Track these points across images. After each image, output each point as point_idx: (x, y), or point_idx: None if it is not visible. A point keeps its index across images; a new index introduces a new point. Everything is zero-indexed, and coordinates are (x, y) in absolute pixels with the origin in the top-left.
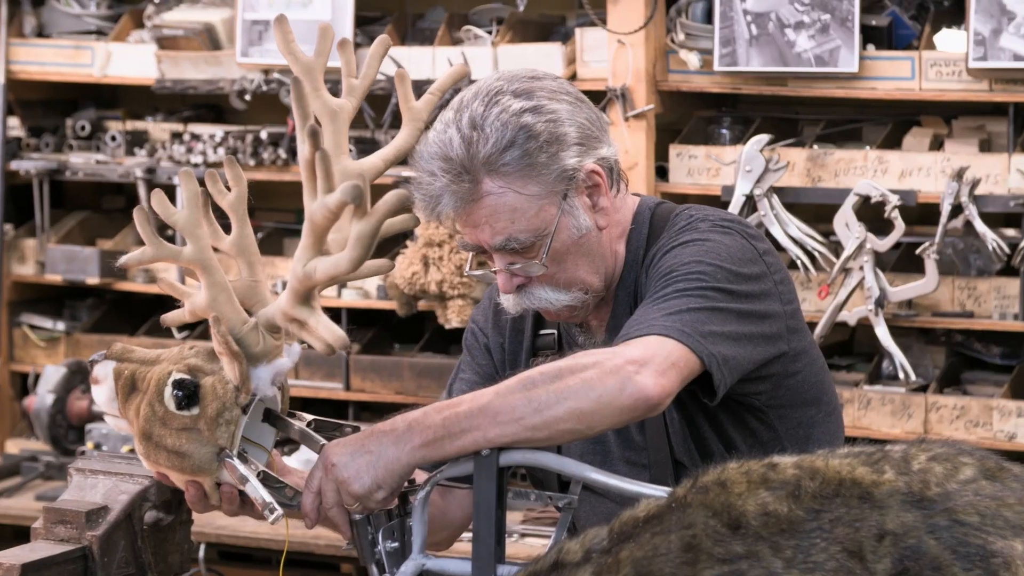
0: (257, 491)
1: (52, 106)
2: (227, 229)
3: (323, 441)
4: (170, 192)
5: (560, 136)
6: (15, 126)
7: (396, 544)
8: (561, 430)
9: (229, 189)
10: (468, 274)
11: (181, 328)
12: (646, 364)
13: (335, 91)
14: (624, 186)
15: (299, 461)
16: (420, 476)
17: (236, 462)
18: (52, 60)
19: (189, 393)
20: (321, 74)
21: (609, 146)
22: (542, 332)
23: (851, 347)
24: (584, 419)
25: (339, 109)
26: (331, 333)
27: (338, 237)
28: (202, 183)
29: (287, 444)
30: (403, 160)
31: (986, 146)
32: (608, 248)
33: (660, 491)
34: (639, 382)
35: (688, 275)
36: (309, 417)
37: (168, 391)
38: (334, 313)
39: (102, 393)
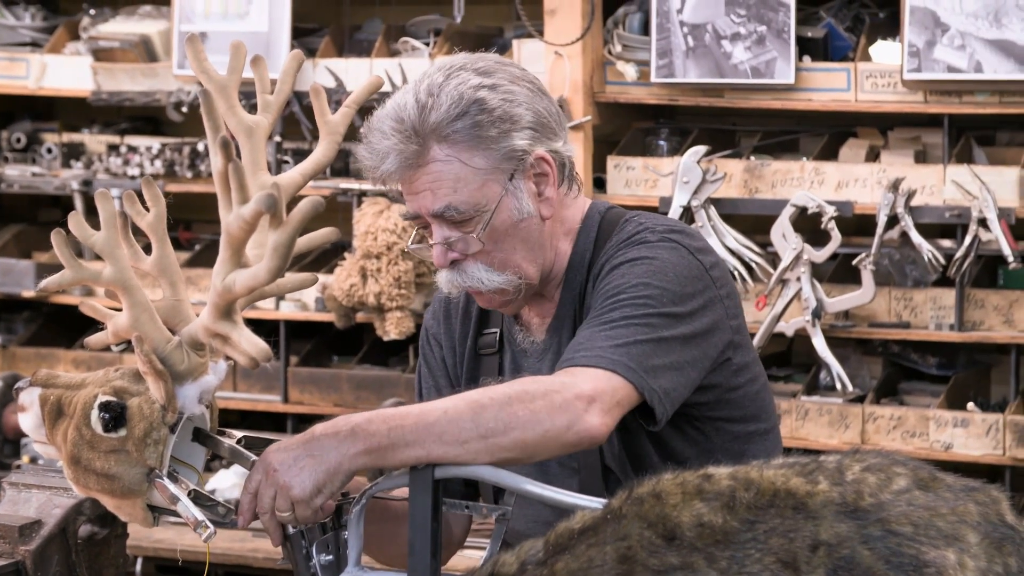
0: (188, 509)
1: None
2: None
3: (253, 458)
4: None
5: (513, 116)
6: None
7: (331, 557)
8: (503, 457)
9: (148, 209)
10: (408, 248)
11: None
12: (594, 402)
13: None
14: (577, 188)
15: (236, 474)
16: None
17: (166, 482)
18: None
19: (116, 415)
20: (235, 91)
21: (565, 143)
22: (485, 331)
23: (788, 358)
24: (527, 450)
25: (255, 126)
26: (253, 346)
27: (261, 252)
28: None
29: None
30: (322, 174)
31: (922, 157)
32: (549, 241)
33: (596, 503)
34: (587, 422)
35: (635, 299)
36: (239, 434)
37: (95, 414)
38: (271, 325)
39: (29, 420)
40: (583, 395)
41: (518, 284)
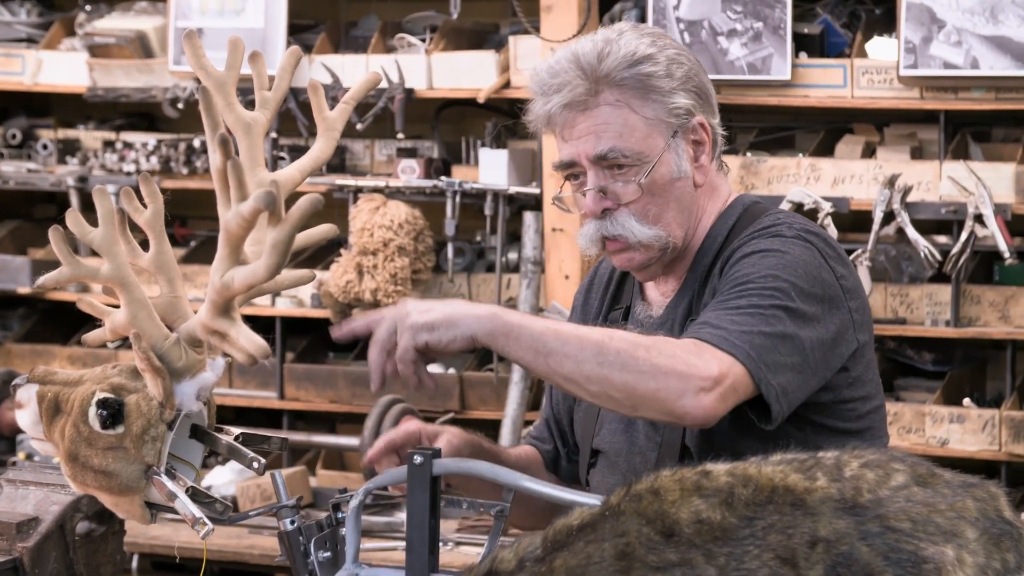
0: (187, 507)
1: None
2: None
3: (251, 455)
4: None
5: (680, 77)
6: None
7: (328, 554)
8: (608, 395)
9: (145, 206)
10: (557, 196)
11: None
12: (717, 385)
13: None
14: (726, 171)
15: (233, 471)
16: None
17: (164, 479)
18: None
19: (113, 412)
20: (233, 88)
21: (719, 121)
22: (616, 307)
23: None
24: (632, 398)
25: (253, 122)
26: (252, 343)
27: (258, 249)
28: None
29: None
30: (319, 171)
31: (917, 153)
32: (696, 210)
33: (594, 499)
34: (701, 400)
35: (763, 290)
36: (236, 431)
37: (92, 411)
38: (267, 322)
39: (26, 417)
40: (708, 374)
41: (666, 241)
